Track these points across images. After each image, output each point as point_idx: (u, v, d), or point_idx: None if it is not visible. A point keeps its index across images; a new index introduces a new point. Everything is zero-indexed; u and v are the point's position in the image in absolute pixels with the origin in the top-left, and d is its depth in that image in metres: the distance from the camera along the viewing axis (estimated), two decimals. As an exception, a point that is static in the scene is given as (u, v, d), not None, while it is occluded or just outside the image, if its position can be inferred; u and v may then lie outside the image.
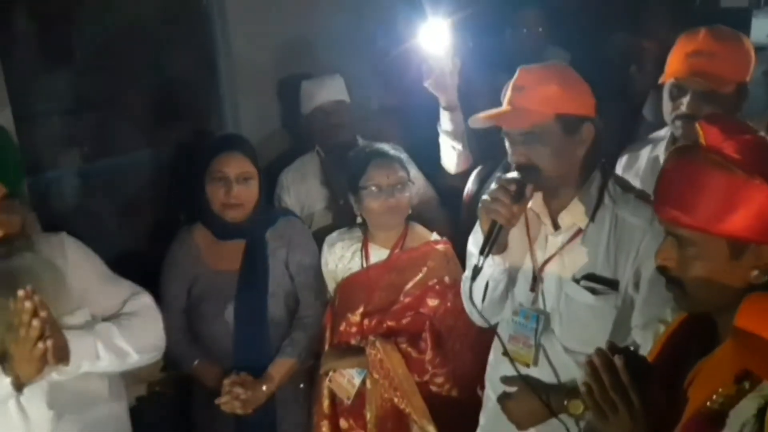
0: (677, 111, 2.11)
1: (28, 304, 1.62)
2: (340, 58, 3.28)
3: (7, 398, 1.76)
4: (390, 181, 2.39)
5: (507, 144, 1.88)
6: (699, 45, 2.07)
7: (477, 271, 1.84)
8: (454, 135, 2.72)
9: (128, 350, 1.94)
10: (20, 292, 1.62)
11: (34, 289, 1.64)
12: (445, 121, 2.71)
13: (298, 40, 3.35)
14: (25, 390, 1.76)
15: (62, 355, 1.74)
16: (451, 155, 2.79)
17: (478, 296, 1.97)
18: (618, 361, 1.24)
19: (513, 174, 1.82)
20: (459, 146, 2.74)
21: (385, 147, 2.49)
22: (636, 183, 2.13)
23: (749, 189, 1.19)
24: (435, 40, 2.54)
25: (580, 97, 1.85)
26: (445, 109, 2.68)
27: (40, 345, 1.64)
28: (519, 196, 1.78)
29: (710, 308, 1.31)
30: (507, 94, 1.87)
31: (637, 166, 2.35)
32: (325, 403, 2.48)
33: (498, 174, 1.91)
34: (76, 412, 1.89)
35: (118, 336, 1.92)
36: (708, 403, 1.21)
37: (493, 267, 1.90)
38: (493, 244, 1.81)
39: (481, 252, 1.81)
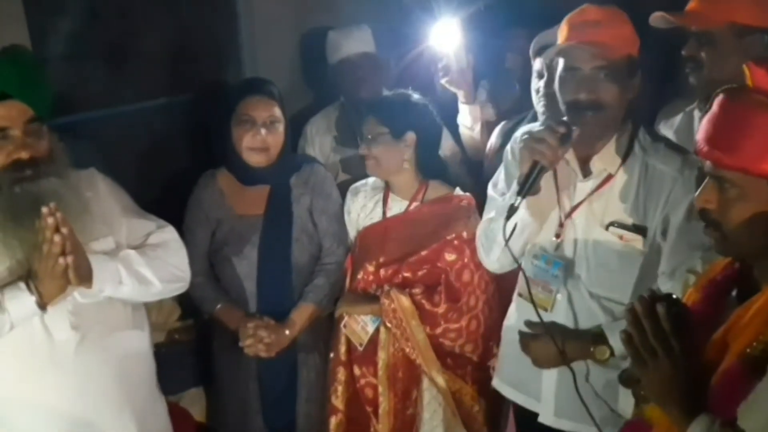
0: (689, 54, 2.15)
1: (50, 220, 1.65)
2: (364, 8, 3.24)
3: (32, 317, 1.79)
4: (366, 133, 2.39)
5: (566, 82, 1.88)
6: None
7: (513, 210, 1.85)
8: (473, 127, 2.82)
9: (151, 279, 1.96)
10: (44, 209, 1.65)
11: (57, 206, 1.67)
12: (464, 115, 2.82)
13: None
14: (50, 310, 1.79)
15: (84, 275, 1.77)
16: (470, 145, 2.89)
17: (503, 238, 1.96)
18: (660, 308, 1.26)
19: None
20: (478, 137, 2.84)
21: (386, 99, 2.48)
22: (671, 138, 2.15)
23: None
24: (447, 39, 2.61)
25: (638, 42, 1.87)
26: (464, 103, 2.78)
27: (61, 261, 1.67)
28: (566, 138, 1.81)
29: (749, 252, 1.32)
30: (578, 29, 1.86)
31: (672, 121, 2.37)
32: (342, 349, 2.51)
33: (529, 122, 1.93)
34: (98, 336, 1.92)
35: (142, 264, 1.94)
36: (748, 350, 1.23)
37: (524, 209, 1.92)
38: (532, 184, 1.83)
39: (519, 192, 1.83)
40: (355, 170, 2.86)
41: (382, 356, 2.44)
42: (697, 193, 1.33)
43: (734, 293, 1.38)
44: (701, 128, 1.32)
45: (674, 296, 1.32)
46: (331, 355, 2.55)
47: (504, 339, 2.25)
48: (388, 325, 2.38)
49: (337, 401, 2.50)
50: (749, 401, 1.20)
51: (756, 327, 1.24)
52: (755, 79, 1.26)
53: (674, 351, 1.25)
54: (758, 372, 1.20)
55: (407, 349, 2.39)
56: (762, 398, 1.19)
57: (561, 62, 1.89)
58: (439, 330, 2.37)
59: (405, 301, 2.36)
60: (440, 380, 2.40)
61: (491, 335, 2.42)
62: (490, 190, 2.16)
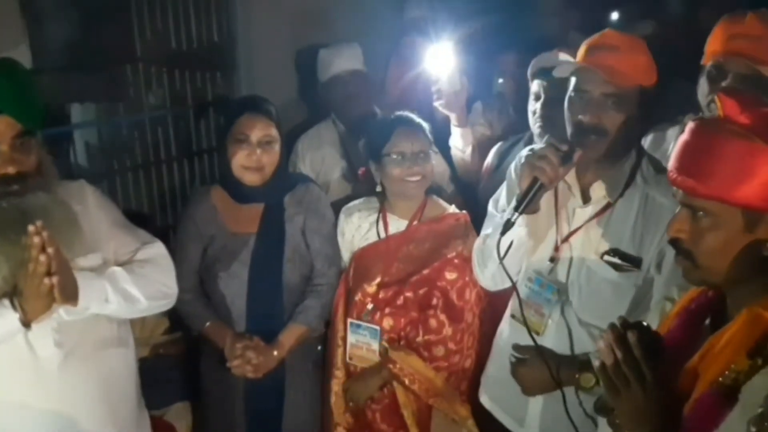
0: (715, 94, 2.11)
1: (36, 240, 1.63)
2: (360, 28, 3.28)
3: (16, 334, 1.77)
4: (414, 148, 2.39)
5: (574, 103, 1.86)
6: (744, 28, 2.05)
7: (509, 225, 1.83)
8: (464, 150, 2.86)
9: (138, 296, 1.94)
10: (30, 228, 1.63)
11: (44, 225, 1.64)
12: (456, 138, 2.86)
13: (316, 9, 3.38)
14: (34, 328, 1.77)
15: (70, 294, 1.75)
16: (461, 166, 2.92)
17: (497, 254, 1.93)
18: (631, 336, 1.26)
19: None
20: (469, 159, 2.88)
21: (410, 115, 2.49)
22: (663, 164, 2.13)
23: (767, 157, 1.20)
24: (442, 63, 2.64)
25: (655, 76, 1.86)
26: (457, 126, 2.82)
27: (47, 281, 1.65)
28: (567, 158, 1.81)
29: (720, 281, 1.31)
30: (593, 52, 1.85)
31: (663, 148, 2.34)
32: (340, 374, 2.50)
33: (524, 146, 1.93)
34: (83, 353, 1.90)
35: (129, 281, 1.92)
36: (720, 379, 1.22)
37: (521, 227, 1.90)
38: (530, 201, 1.82)
39: (516, 208, 1.82)
40: (349, 189, 2.91)
41: (407, 415, 2.40)
42: (669, 222, 1.34)
43: (708, 321, 1.37)
44: (673, 156, 1.33)
45: (645, 324, 1.31)
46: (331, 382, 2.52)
47: (493, 357, 2.24)
48: (407, 383, 2.36)
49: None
50: (721, 430, 1.20)
51: (727, 356, 1.23)
52: (725, 108, 1.27)
53: (646, 379, 1.25)
54: (730, 401, 1.20)
55: (431, 401, 2.37)
56: (734, 427, 1.18)
57: (573, 82, 1.89)
58: (450, 357, 2.36)
59: (408, 355, 2.35)
60: (463, 411, 2.39)
61: (480, 348, 2.41)
62: (490, 207, 2.16)
